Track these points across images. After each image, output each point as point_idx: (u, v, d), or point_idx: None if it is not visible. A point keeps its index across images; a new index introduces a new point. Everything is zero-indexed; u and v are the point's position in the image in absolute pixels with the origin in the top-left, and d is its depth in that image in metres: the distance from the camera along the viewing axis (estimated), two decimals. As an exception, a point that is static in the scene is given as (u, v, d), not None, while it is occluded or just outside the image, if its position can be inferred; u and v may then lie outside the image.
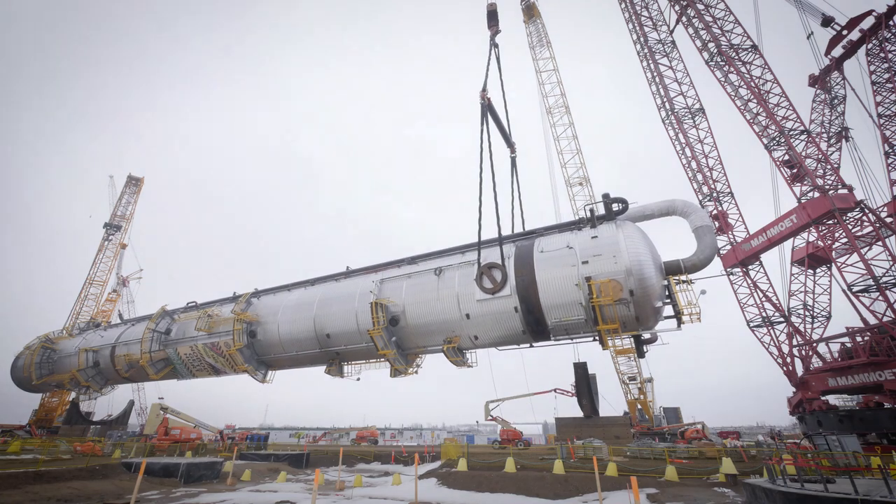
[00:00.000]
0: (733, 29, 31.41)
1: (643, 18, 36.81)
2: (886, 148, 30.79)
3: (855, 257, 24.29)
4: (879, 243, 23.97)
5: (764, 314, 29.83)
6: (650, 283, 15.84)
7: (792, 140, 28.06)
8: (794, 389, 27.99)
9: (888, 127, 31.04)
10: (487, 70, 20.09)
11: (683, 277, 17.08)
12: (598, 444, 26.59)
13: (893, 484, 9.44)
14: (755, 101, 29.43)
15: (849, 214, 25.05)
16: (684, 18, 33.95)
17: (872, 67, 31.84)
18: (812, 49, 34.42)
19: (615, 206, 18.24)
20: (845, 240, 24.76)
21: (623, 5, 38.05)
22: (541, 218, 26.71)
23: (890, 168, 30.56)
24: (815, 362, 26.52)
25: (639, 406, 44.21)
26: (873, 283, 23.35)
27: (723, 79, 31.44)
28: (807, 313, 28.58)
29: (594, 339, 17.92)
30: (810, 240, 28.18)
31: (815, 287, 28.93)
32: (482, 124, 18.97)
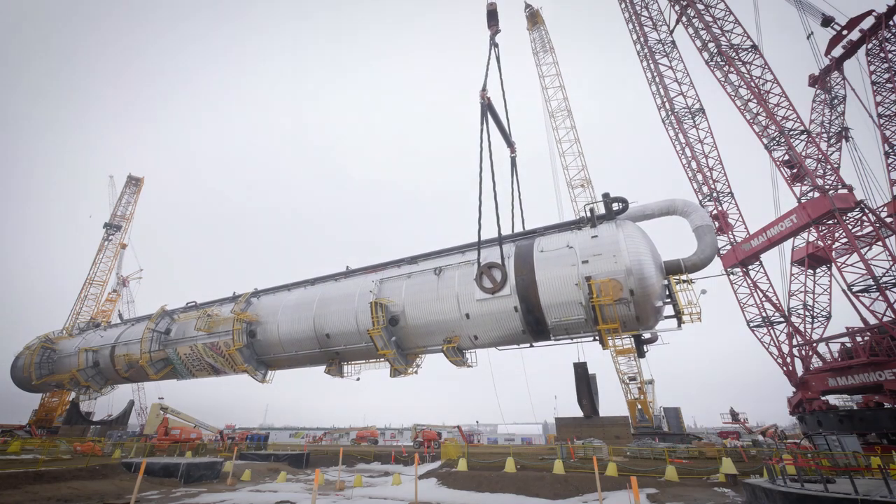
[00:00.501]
0: (733, 29, 31.43)
1: (643, 18, 36.82)
2: (886, 148, 30.80)
3: (855, 257, 24.29)
4: (879, 243, 23.97)
5: (764, 314, 29.84)
6: (650, 283, 15.82)
7: (792, 140, 28.07)
8: (794, 389, 27.99)
9: (888, 127, 31.05)
10: (487, 70, 20.09)
11: (684, 277, 17.07)
12: (598, 444, 26.59)
13: (893, 484, 9.43)
14: (755, 101, 29.44)
15: (849, 214, 25.06)
16: (684, 18, 33.96)
17: (872, 67, 31.85)
18: (812, 49, 34.44)
19: (615, 206, 18.22)
20: (845, 240, 24.76)
21: (623, 5, 38.06)
22: (543, 218, 26.75)
23: (890, 168, 30.57)
24: (815, 362, 26.52)
25: (639, 406, 44.23)
26: (873, 283, 23.35)
27: (723, 79, 31.45)
28: (807, 313, 28.59)
29: (594, 339, 17.91)
30: (810, 240, 28.19)
31: (815, 287, 28.94)
32: (482, 124, 18.97)
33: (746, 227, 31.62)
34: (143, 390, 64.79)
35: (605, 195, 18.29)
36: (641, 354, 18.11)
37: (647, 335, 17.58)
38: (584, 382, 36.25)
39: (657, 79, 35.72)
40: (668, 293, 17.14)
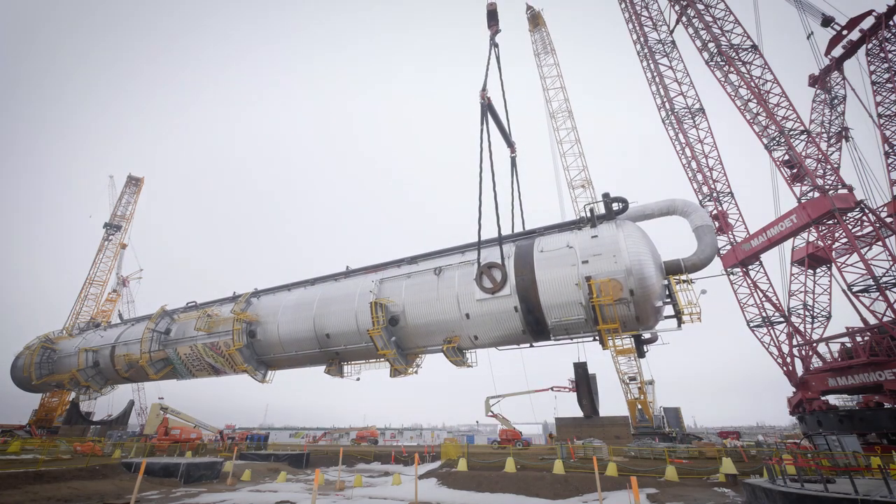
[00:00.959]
0: (733, 29, 31.42)
1: (643, 18, 36.81)
2: (886, 148, 30.79)
3: (855, 257, 24.29)
4: (879, 243, 23.96)
5: (764, 314, 29.84)
6: (650, 283, 15.81)
7: (792, 140, 28.06)
8: (794, 389, 27.99)
9: (888, 127, 31.04)
10: (487, 70, 20.06)
11: (684, 277, 17.05)
12: (598, 444, 26.59)
13: (893, 484, 9.43)
14: (755, 101, 29.44)
15: (849, 214, 25.05)
16: (684, 18, 33.95)
17: (872, 67, 31.84)
18: (812, 49, 34.43)
19: (615, 206, 18.20)
20: (845, 240, 24.76)
21: (623, 5, 38.05)
22: (545, 217, 26.76)
23: (890, 168, 30.56)
24: (816, 362, 26.51)
25: (639, 406, 44.24)
26: (873, 283, 23.35)
27: (723, 79, 31.45)
28: (807, 313, 28.58)
29: (594, 339, 17.90)
30: (810, 240, 28.19)
31: (815, 287, 28.93)
32: (482, 124, 18.96)
33: (746, 227, 31.62)
34: (143, 390, 64.76)
35: (605, 195, 18.27)
36: (641, 354, 18.10)
37: (647, 335, 17.56)
38: (585, 383, 36.25)
39: (657, 79, 35.72)
40: (668, 293, 17.12)
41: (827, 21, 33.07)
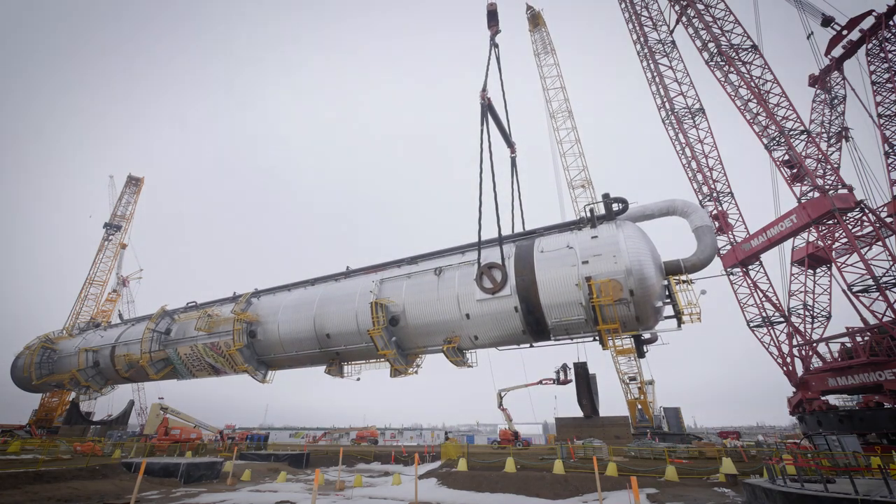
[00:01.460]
0: (733, 29, 31.42)
1: (643, 18, 36.81)
2: (886, 148, 30.79)
3: (855, 257, 24.29)
4: (879, 243, 23.96)
5: (764, 314, 29.83)
6: (650, 283, 15.81)
7: (792, 140, 28.06)
8: (794, 389, 27.98)
9: (888, 127, 31.04)
10: (487, 70, 20.05)
11: (683, 277, 17.05)
12: (598, 444, 26.59)
13: (893, 484, 9.43)
14: (755, 101, 29.44)
15: (849, 214, 25.05)
16: (684, 18, 33.95)
17: (872, 67, 31.85)
18: (812, 49, 34.44)
19: (615, 206, 18.20)
20: (845, 240, 24.76)
21: (623, 5, 38.05)
22: (544, 218, 26.79)
23: (890, 168, 30.56)
24: (816, 362, 26.51)
25: (639, 406, 44.27)
26: (873, 283, 23.35)
27: (723, 79, 31.44)
28: (807, 313, 28.58)
29: (594, 339, 17.89)
30: (810, 240, 28.19)
31: (815, 287, 28.93)
32: (482, 124, 18.96)
33: (746, 227, 31.62)
34: (143, 390, 64.75)
35: (605, 196, 18.26)
36: (641, 355, 18.09)
37: (646, 335, 17.56)
38: (584, 382, 36.25)
39: (657, 79, 35.71)
40: (667, 293, 17.12)
41: (827, 21, 33.07)
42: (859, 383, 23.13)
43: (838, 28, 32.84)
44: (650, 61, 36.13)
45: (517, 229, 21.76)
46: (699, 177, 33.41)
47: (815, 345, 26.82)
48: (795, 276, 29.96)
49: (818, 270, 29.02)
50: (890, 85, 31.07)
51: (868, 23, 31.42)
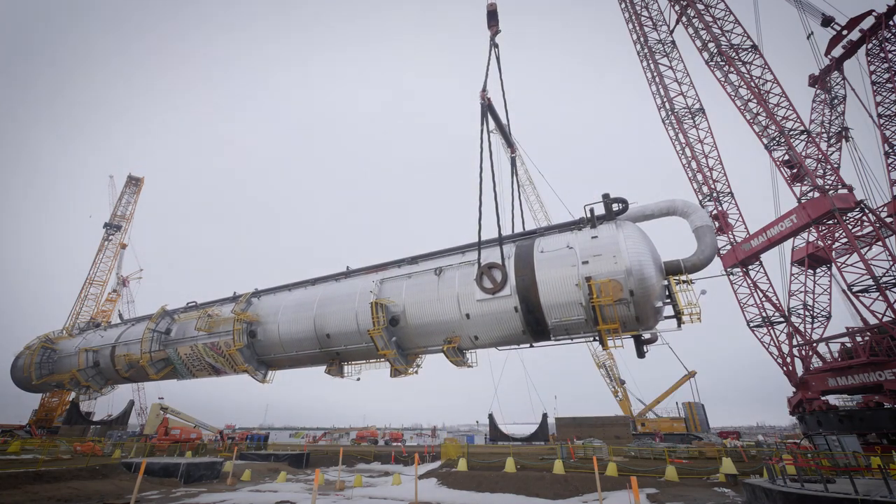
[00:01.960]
0: (733, 29, 31.42)
1: (643, 18, 36.81)
2: (886, 148, 30.80)
3: (854, 257, 24.30)
4: (879, 243, 23.96)
5: (764, 314, 29.83)
6: (650, 284, 15.80)
7: (792, 140, 28.07)
8: (794, 389, 27.99)
9: (888, 127, 31.05)
10: (487, 70, 20.01)
11: (683, 277, 17.05)
12: (598, 444, 26.65)
13: (893, 484, 9.44)
14: (755, 101, 29.45)
15: (849, 214, 25.06)
16: (684, 18, 33.95)
17: (872, 67, 31.86)
18: (812, 49, 34.46)
19: (615, 207, 18.17)
20: (845, 240, 24.77)
21: (623, 5, 38.05)
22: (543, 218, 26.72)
23: (890, 168, 30.57)
24: (816, 362, 26.51)
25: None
26: (873, 284, 23.36)
27: (723, 79, 31.45)
28: (807, 313, 28.59)
29: (594, 339, 17.89)
30: (810, 240, 28.19)
31: (815, 287, 28.94)
32: (482, 124, 18.96)
33: (746, 227, 31.62)
34: (143, 390, 64.80)
35: (605, 196, 18.23)
36: (641, 355, 18.06)
37: (646, 335, 17.55)
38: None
39: (657, 79, 35.72)
40: (667, 293, 17.12)
41: (827, 21, 33.09)
42: (859, 383, 23.14)
43: (838, 28, 32.86)
44: (650, 61, 36.14)
45: (517, 229, 21.75)
46: (699, 177, 33.42)
47: (815, 345, 26.83)
48: (795, 275, 29.97)
49: (818, 270, 29.03)
50: (890, 85, 31.08)
51: (868, 23, 31.45)
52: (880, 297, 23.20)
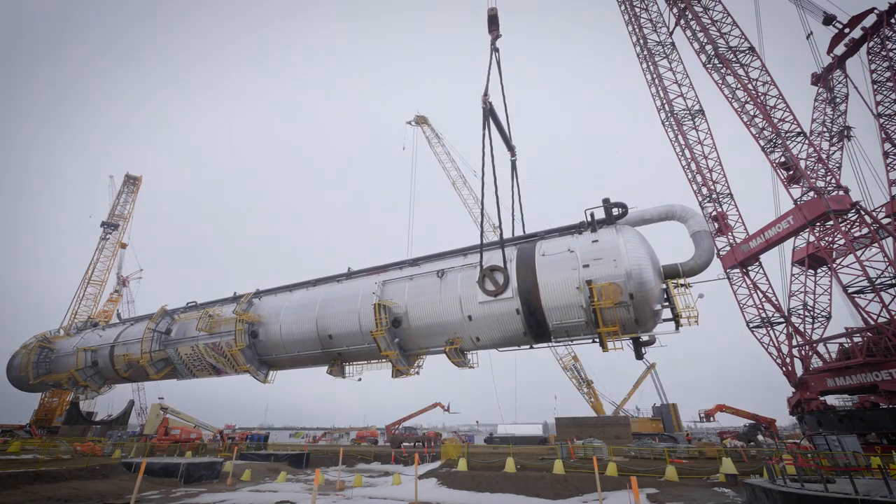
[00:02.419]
0: (731, 31, 31.50)
1: (642, 20, 36.88)
2: (887, 147, 30.90)
3: (850, 258, 24.44)
4: (875, 245, 24.08)
5: (763, 315, 29.93)
6: (649, 287, 15.93)
7: (788, 142, 28.18)
8: (793, 390, 28.12)
9: (889, 126, 31.15)
10: (489, 74, 20.08)
11: (682, 281, 17.22)
12: (598, 444, 26.75)
13: (893, 484, 9.53)
14: (752, 103, 29.56)
15: (845, 216, 25.19)
16: (682, 21, 34.02)
17: (874, 66, 31.93)
18: (811, 49, 34.55)
19: (615, 211, 18.33)
20: (844, 241, 24.90)
21: (623, 7, 38.12)
22: (544, 220, 26.83)
23: (889, 168, 30.69)
24: (815, 362, 26.63)
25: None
26: (868, 285, 23.50)
27: (720, 81, 31.54)
28: (807, 314, 28.70)
29: (593, 341, 18.01)
30: (811, 240, 28.30)
31: (815, 287, 29.06)
32: (484, 128, 19.03)
33: (746, 229, 31.73)
34: (142, 390, 64.73)
35: (605, 200, 18.35)
36: (640, 356, 18.21)
37: (645, 337, 17.70)
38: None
39: (657, 80, 35.78)
40: (666, 297, 17.27)
41: (828, 19, 33.14)
42: (857, 384, 23.26)
43: (840, 26, 32.92)
44: (650, 63, 36.21)
45: (517, 232, 21.83)
46: (699, 178, 33.51)
47: (814, 345, 26.95)
48: (796, 276, 30.10)
49: (818, 271, 29.15)
50: (890, 84, 31.16)
51: (870, 21, 31.49)
52: (876, 299, 23.34)
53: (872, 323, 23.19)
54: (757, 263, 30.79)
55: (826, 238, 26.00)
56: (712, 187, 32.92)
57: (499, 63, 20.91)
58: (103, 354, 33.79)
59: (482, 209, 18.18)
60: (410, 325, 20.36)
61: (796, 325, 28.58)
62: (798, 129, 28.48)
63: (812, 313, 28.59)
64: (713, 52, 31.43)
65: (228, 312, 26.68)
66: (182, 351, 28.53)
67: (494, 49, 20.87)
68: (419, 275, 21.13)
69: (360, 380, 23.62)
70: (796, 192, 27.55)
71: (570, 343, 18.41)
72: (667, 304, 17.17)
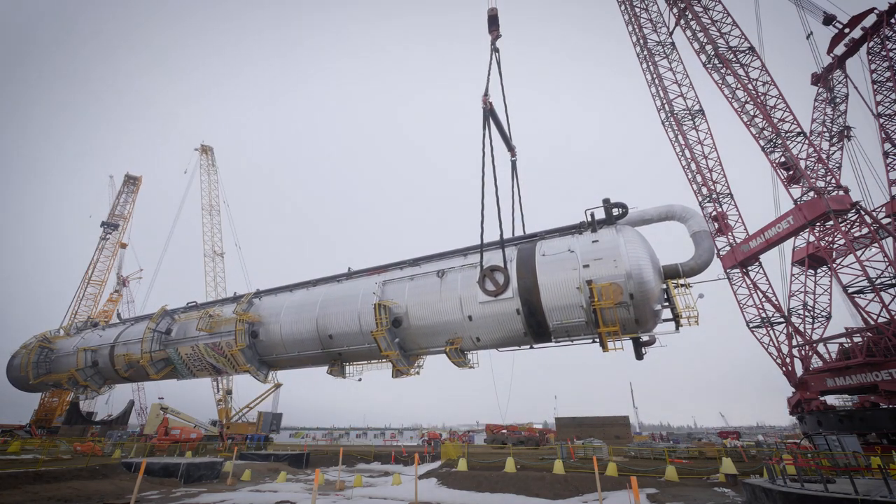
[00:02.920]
0: (731, 31, 31.51)
1: (643, 21, 36.90)
2: (887, 147, 30.91)
3: (850, 258, 24.44)
4: (875, 245, 24.09)
5: (763, 315, 29.93)
6: (649, 287, 15.92)
7: (788, 142, 28.18)
8: (793, 390, 28.13)
9: (888, 126, 31.16)
10: (489, 74, 20.06)
11: (682, 281, 17.21)
12: (598, 444, 26.76)
13: (893, 484, 9.53)
14: (752, 103, 29.56)
15: (846, 216, 25.19)
16: (682, 21, 34.03)
17: (873, 66, 31.94)
18: (811, 49, 34.55)
19: (615, 211, 18.31)
20: (844, 241, 24.91)
21: (623, 7, 38.14)
22: (544, 220, 26.87)
23: (889, 168, 30.69)
24: (816, 362, 26.64)
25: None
26: (868, 285, 23.50)
27: (720, 81, 31.54)
28: (806, 314, 28.70)
29: (593, 341, 18.00)
30: (811, 240, 28.31)
31: (815, 287, 29.06)
32: (484, 128, 19.01)
33: (746, 229, 31.74)
34: (142, 390, 64.75)
35: (606, 200, 18.33)
36: (639, 356, 18.19)
37: (645, 337, 17.68)
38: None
39: (657, 80, 35.80)
40: (666, 297, 17.26)
41: (829, 19, 33.16)
42: (857, 384, 23.27)
43: (840, 26, 32.93)
44: (650, 63, 36.23)
45: (517, 232, 21.81)
46: (699, 178, 33.52)
47: (814, 345, 26.95)
48: (796, 276, 30.10)
49: (818, 271, 29.15)
50: (890, 84, 31.16)
51: (870, 21, 31.51)
52: (876, 299, 23.35)
53: (872, 323, 23.18)
54: (757, 263, 30.80)
55: (826, 238, 25.99)
56: (712, 187, 32.94)
57: (499, 63, 20.91)
58: (103, 354, 33.78)
59: (482, 209, 18.15)
60: (411, 325, 20.35)
61: (796, 325, 28.58)
62: (798, 129, 28.48)
63: (812, 313, 28.59)
64: (713, 52, 31.43)
65: (229, 312, 26.69)
66: (182, 351, 28.53)
67: (495, 49, 20.87)
68: (419, 275, 21.12)
69: (360, 380, 23.63)
70: (796, 192, 27.56)
71: (570, 343, 18.37)
72: (667, 304, 17.15)
